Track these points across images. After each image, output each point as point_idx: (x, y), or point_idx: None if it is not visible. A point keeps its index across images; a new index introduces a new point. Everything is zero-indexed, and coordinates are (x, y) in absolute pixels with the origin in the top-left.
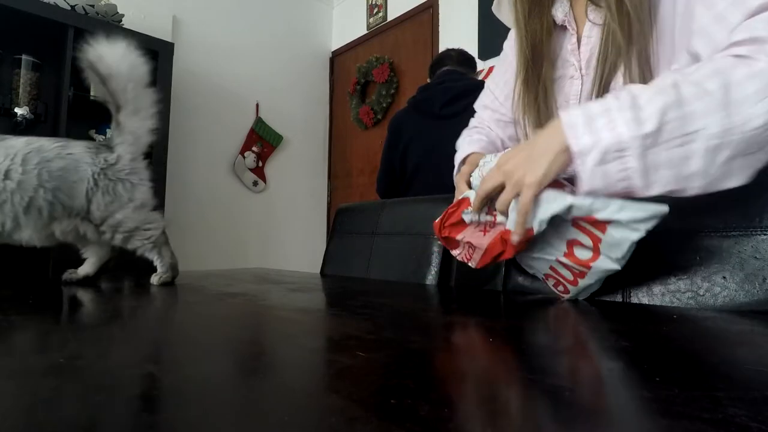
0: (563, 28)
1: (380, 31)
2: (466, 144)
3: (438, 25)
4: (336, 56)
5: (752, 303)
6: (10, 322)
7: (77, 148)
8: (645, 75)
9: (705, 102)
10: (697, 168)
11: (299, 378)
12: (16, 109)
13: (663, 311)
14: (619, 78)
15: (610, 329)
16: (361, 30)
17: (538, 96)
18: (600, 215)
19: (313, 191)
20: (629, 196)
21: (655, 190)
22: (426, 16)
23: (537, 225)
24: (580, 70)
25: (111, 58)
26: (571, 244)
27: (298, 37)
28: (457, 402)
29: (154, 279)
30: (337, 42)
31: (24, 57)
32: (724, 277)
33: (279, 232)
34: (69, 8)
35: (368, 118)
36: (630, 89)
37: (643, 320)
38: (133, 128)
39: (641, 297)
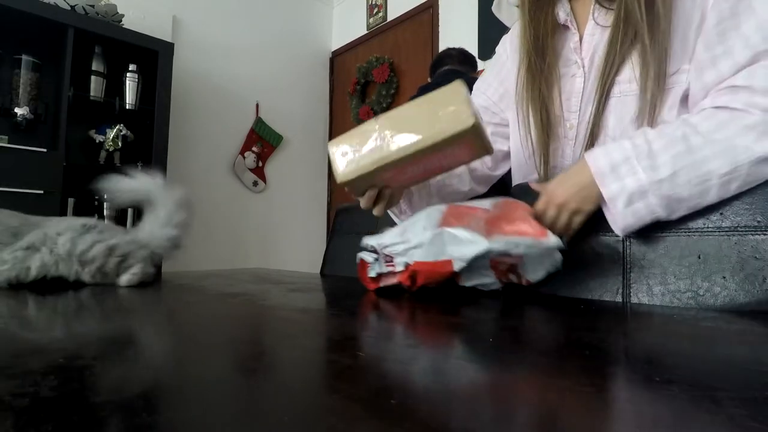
0: (565, 27)
1: (380, 31)
2: None
3: (438, 25)
4: (336, 56)
5: (752, 303)
6: (6, 324)
7: None
8: (649, 74)
9: (712, 149)
10: (713, 197)
11: (299, 378)
12: (16, 109)
13: (663, 311)
14: (622, 74)
15: (609, 329)
16: (361, 30)
17: (542, 87)
18: (514, 252)
19: (313, 191)
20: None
21: (680, 214)
22: (426, 16)
23: (457, 265)
24: (583, 68)
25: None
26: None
27: (298, 37)
28: (458, 402)
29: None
30: (337, 42)
31: (24, 57)
32: (724, 277)
33: (279, 233)
34: (69, 8)
35: (368, 118)
36: (645, 135)
37: (642, 320)
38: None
39: (641, 297)
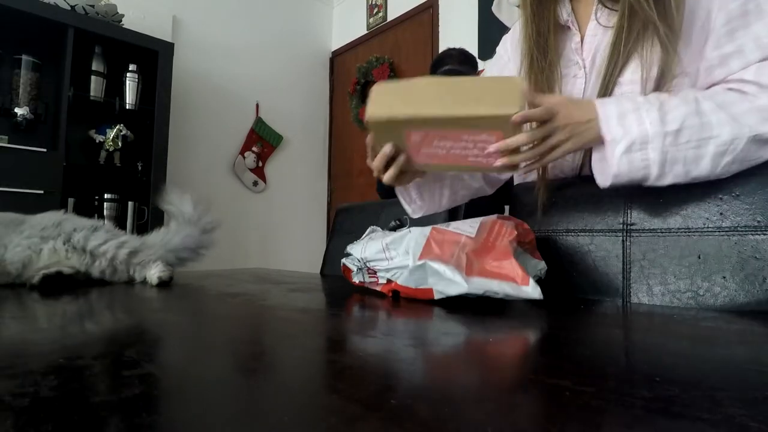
0: (566, 27)
1: (380, 31)
2: None
3: (438, 25)
4: (336, 56)
5: (752, 303)
6: (7, 324)
7: None
8: (651, 74)
9: (719, 116)
10: (705, 168)
11: (299, 378)
12: (16, 109)
13: (663, 311)
14: (625, 74)
15: (609, 329)
16: (361, 30)
17: (543, 87)
18: (492, 295)
19: (313, 191)
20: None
21: (667, 181)
22: (426, 16)
23: (437, 296)
24: (584, 68)
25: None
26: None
27: (298, 37)
28: (458, 402)
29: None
30: (337, 42)
31: (24, 57)
32: (724, 277)
33: (279, 232)
34: (69, 8)
35: None
36: (658, 94)
37: (642, 320)
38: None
39: (641, 297)
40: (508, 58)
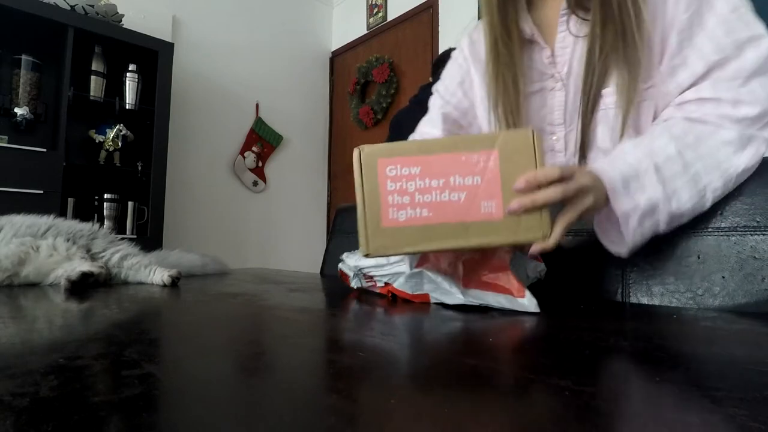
0: (532, 42)
1: (380, 31)
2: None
3: (438, 25)
4: (336, 56)
5: (751, 303)
6: (7, 324)
7: None
8: (632, 83)
9: (703, 163)
10: (707, 208)
11: (299, 378)
12: (16, 109)
13: (663, 311)
14: (606, 86)
15: (609, 329)
16: (361, 30)
17: (520, 104)
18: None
19: (313, 191)
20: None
21: (672, 227)
22: (426, 16)
23: (434, 301)
24: (562, 80)
25: None
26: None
27: (298, 37)
28: (458, 401)
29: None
30: (337, 42)
31: (24, 57)
32: (723, 277)
33: (279, 232)
34: (69, 8)
35: (368, 118)
36: (645, 151)
37: (642, 320)
38: None
39: (641, 297)
40: (470, 66)
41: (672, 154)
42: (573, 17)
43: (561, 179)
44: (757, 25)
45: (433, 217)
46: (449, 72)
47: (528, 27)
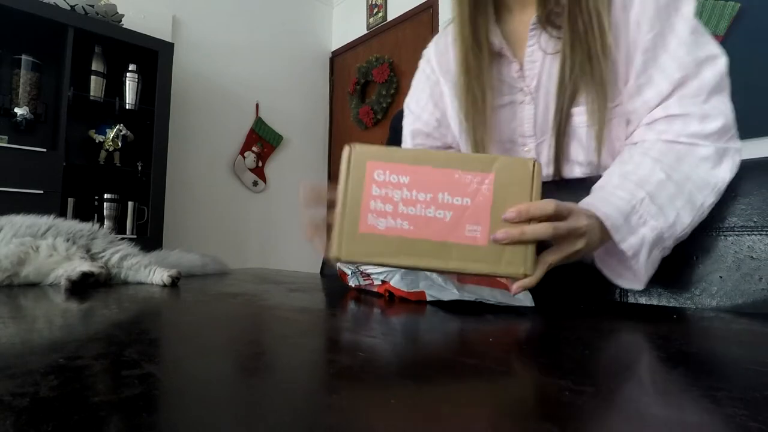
0: (501, 54)
1: (380, 31)
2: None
3: (438, 25)
4: (336, 56)
5: (748, 303)
6: (6, 324)
7: None
8: (601, 104)
9: (693, 182)
10: (703, 218)
11: (299, 378)
12: (16, 109)
13: (661, 311)
14: (577, 104)
15: (608, 329)
16: (361, 30)
17: (488, 117)
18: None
19: None
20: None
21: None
22: (426, 16)
23: (430, 298)
24: (531, 94)
25: None
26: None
27: (298, 37)
28: (458, 401)
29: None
30: (337, 42)
31: (24, 57)
32: (721, 277)
33: (279, 232)
34: (69, 8)
35: (368, 118)
36: (640, 179)
37: (641, 320)
38: None
39: (638, 297)
40: (438, 78)
41: (662, 179)
42: (544, 34)
43: (555, 216)
44: (713, 45)
45: (414, 231)
46: (418, 85)
47: (497, 40)
